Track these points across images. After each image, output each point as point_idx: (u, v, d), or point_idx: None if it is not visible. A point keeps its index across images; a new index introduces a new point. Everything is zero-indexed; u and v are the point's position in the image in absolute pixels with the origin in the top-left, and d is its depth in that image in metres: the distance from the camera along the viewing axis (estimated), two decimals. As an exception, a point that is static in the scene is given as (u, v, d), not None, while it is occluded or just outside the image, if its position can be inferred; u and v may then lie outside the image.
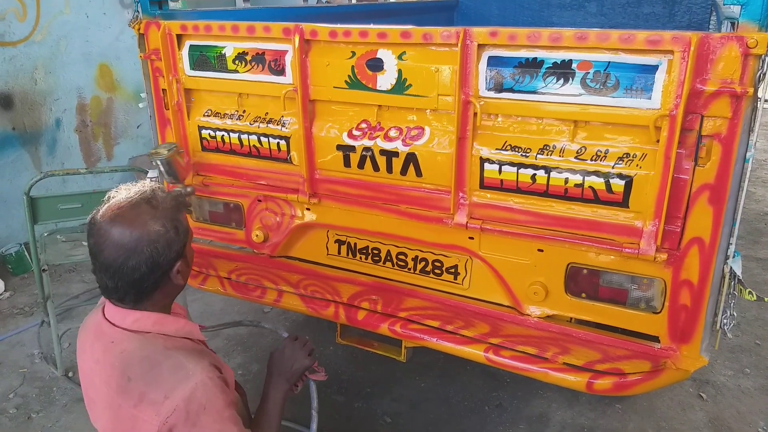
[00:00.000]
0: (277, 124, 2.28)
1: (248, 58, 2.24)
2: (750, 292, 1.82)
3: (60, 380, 3.01)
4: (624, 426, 2.70)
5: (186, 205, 1.58)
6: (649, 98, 1.68)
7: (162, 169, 2.27)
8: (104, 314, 1.48)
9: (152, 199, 1.43)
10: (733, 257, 1.77)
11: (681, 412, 2.79)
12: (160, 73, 2.43)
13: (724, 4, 1.62)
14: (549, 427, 2.71)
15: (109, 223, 1.37)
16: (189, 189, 2.27)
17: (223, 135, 2.40)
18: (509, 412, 2.80)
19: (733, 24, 1.65)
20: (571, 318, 2.10)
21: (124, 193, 1.44)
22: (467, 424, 2.73)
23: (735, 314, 1.88)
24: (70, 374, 3.05)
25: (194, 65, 2.36)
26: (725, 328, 1.87)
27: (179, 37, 2.35)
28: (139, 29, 2.40)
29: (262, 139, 2.32)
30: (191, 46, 2.34)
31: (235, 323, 2.40)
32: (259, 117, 2.31)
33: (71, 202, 3.05)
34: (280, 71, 2.19)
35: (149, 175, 2.68)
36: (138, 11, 2.41)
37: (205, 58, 2.33)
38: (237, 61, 2.26)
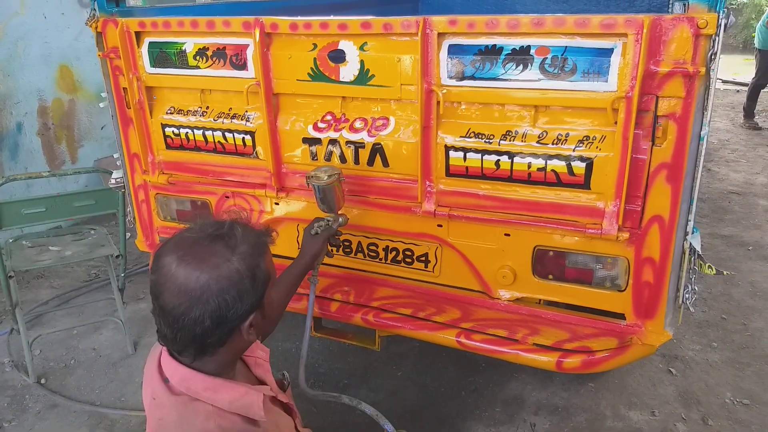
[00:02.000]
0: (242, 119, 2.27)
1: (209, 53, 2.22)
2: (709, 267, 1.88)
3: (32, 387, 2.96)
4: (597, 404, 2.76)
5: (271, 242, 1.32)
6: (606, 81, 1.72)
7: (318, 195, 2.04)
8: (159, 360, 1.28)
9: (230, 236, 1.20)
10: (692, 233, 1.83)
11: (651, 388, 2.86)
12: (119, 71, 2.39)
13: (674, -14, 1.66)
14: (524, 408, 2.76)
15: (174, 261, 1.15)
16: (342, 219, 2.12)
17: (187, 132, 2.37)
18: (485, 396, 2.84)
19: (684, 6, 1.69)
20: (539, 300, 2.14)
21: (198, 225, 1.23)
22: (444, 410, 2.76)
23: (696, 289, 1.94)
24: (42, 381, 3.01)
25: (154, 62, 2.33)
26: (687, 303, 1.93)
27: (138, 34, 2.31)
28: (96, 27, 2.36)
29: (227, 134, 2.30)
30: (151, 43, 2.31)
31: (333, 396, 2.22)
32: (223, 113, 2.30)
33: (35, 206, 2.99)
34: (242, 66, 2.17)
35: (114, 175, 2.65)
36: (95, 9, 2.37)
37: (165, 55, 2.30)
38: (198, 57, 2.24)
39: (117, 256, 3.11)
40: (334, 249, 2.37)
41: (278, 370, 3.12)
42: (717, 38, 1.62)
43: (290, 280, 1.98)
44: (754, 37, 7.22)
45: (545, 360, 1.97)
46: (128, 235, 3.29)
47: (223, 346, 1.21)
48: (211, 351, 1.21)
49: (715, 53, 1.63)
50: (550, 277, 2.05)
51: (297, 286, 2.02)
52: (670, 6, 1.73)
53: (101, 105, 2.52)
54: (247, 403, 1.24)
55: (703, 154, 1.73)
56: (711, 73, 1.65)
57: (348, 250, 2.39)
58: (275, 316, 1.36)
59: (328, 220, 2.08)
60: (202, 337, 1.16)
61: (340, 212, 2.12)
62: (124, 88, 2.42)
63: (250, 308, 1.20)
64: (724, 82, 9.87)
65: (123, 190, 2.73)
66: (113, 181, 2.67)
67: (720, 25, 1.60)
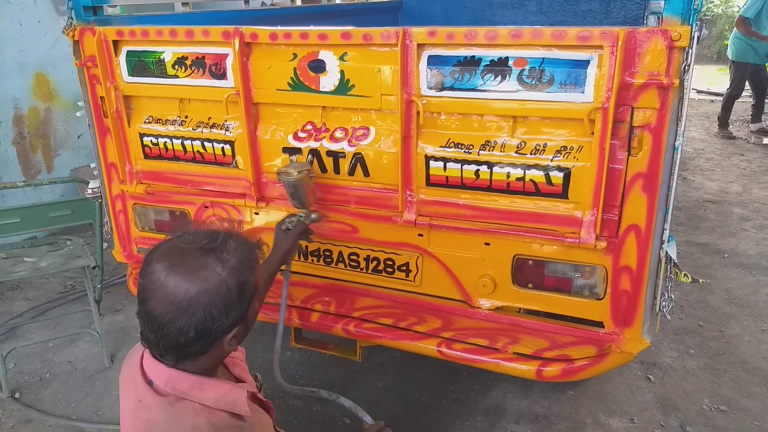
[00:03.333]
0: (221, 129, 2.25)
1: (188, 62, 2.21)
2: (685, 275, 1.90)
3: (6, 402, 2.90)
4: (577, 411, 2.78)
5: (262, 255, 1.35)
6: (583, 92, 1.74)
7: (288, 191, 2.05)
8: (142, 362, 1.28)
9: (222, 250, 1.21)
10: (668, 242, 1.85)
11: (630, 395, 2.89)
12: (97, 80, 2.37)
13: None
14: (505, 417, 2.76)
15: (165, 270, 1.16)
16: (314, 215, 2.13)
17: (165, 141, 2.35)
18: (466, 405, 2.84)
19: (659, 19, 1.72)
20: (519, 308, 2.15)
21: (192, 234, 1.23)
22: (425, 420, 2.75)
23: (673, 297, 1.97)
24: (17, 395, 2.94)
25: (132, 71, 2.31)
26: (664, 310, 1.95)
27: (116, 43, 2.29)
28: (73, 36, 2.34)
29: (206, 144, 2.29)
30: (129, 51, 2.29)
31: (311, 391, 2.18)
32: (202, 122, 2.28)
33: (10, 216, 2.94)
34: (222, 75, 2.16)
35: (90, 185, 2.62)
36: (72, 18, 2.34)
37: (143, 64, 2.28)
38: (177, 66, 2.23)
39: (94, 267, 3.06)
40: (316, 259, 2.36)
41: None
42: (690, 50, 1.65)
43: (264, 277, 1.93)
44: (727, 46, 7.37)
45: (525, 369, 1.98)
46: (105, 245, 3.25)
47: (204, 354, 1.23)
48: (192, 358, 1.23)
49: (689, 65, 1.67)
50: (530, 285, 2.06)
51: (271, 283, 2.03)
52: (645, 19, 1.76)
53: (78, 114, 2.49)
54: (232, 399, 1.27)
55: (677, 163, 1.76)
56: (685, 85, 1.68)
57: (329, 259, 2.38)
58: (254, 320, 1.38)
59: (300, 216, 2.10)
60: (184, 346, 1.19)
61: (312, 209, 2.14)
62: (101, 97, 2.40)
63: (234, 322, 1.22)
64: (699, 92, 10.05)
65: (100, 200, 2.69)
66: (90, 191, 2.63)
67: (693, 37, 1.64)
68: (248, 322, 1.29)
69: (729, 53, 7.09)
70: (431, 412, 2.80)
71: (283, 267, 2.12)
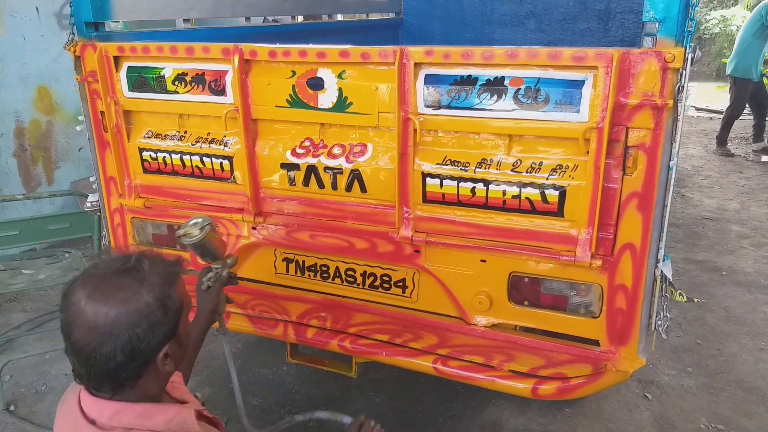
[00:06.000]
0: (220, 144, 2.27)
1: (188, 78, 2.23)
2: (680, 294, 1.91)
3: (1, 414, 2.89)
4: (573, 429, 2.77)
5: (183, 271, 1.34)
6: (578, 112, 1.76)
7: (197, 252, 1.88)
8: (80, 403, 1.23)
9: (137, 269, 1.20)
10: (664, 261, 1.86)
11: (628, 413, 2.88)
12: (97, 95, 2.39)
13: (642, 21, 1.71)
14: (502, 434, 2.75)
15: (82, 298, 1.15)
16: (230, 261, 1.95)
17: (164, 156, 2.37)
18: (463, 422, 2.83)
19: (653, 40, 1.74)
20: (515, 326, 2.15)
21: (105, 261, 1.23)
22: (422, 437, 2.74)
23: (669, 315, 1.97)
24: (12, 408, 2.93)
25: (133, 87, 2.33)
26: (660, 329, 1.96)
27: (116, 58, 2.32)
28: (74, 51, 2.36)
29: (205, 159, 2.30)
30: (129, 67, 2.32)
31: (287, 422, 2.11)
32: (201, 137, 2.30)
33: (9, 229, 2.95)
34: (221, 91, 2.18)
35: (89, 199, 2.63)
36: (73, 33, 2.37)
37: (144, 80, 2.30)
38: (177, 82, 2.25)
39: (91, 280, 3.06)
40: (312, 274, 2.37)
41: (255, 396, 3.10)
42: (684, 72, 1.67)
43: (193, 341, 1.78)
44: (725, 64, 7.39)
45: (521, 387, 1.98)
46: (103, 258, 3.25)
47: (140, 378, 1.21)
48: (130, 384, 1.20)
49: (683, 86, 1.68)
50: (526, 303, 2.07)
51: (201, 343, 1.90)
52: (641, 40, 1.78)
53: (78, 128, 2.51)
54: (181, 419, 1.26)
55: (672, 183, 1.77)
56: (679, 106, 1.70)
57: (326, 275, 2.38)
58: (186, 365, 1.36)
59: (216, 269, 1.91)
60: (116, 372, 1.16)
61: (225, 255, 1.98)
62: (101, 111, 2.41)
63: (163, 338, 1.20)
64: (698, 109, 10.10)
65: (99, 214, 2.70)
66: (89, 204, 2.65)
67: (687, 59, 1.66)
68: (180, 340, 1.26)
69: (730, 70, 7.09)
70: (427, 429, 2.79)
71: (216, 325, 1.98)
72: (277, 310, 2.36)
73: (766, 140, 7.29)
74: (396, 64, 1.90)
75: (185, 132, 2.34)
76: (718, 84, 12.02)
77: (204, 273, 1.91)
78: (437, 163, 1.99)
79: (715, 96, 10.91)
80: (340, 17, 4.90)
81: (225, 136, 2.26)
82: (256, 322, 2.36)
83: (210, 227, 1.85)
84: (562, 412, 2.88)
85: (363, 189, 2.12)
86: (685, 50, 1.65)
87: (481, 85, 1.85)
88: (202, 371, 3.22)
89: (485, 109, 1.86)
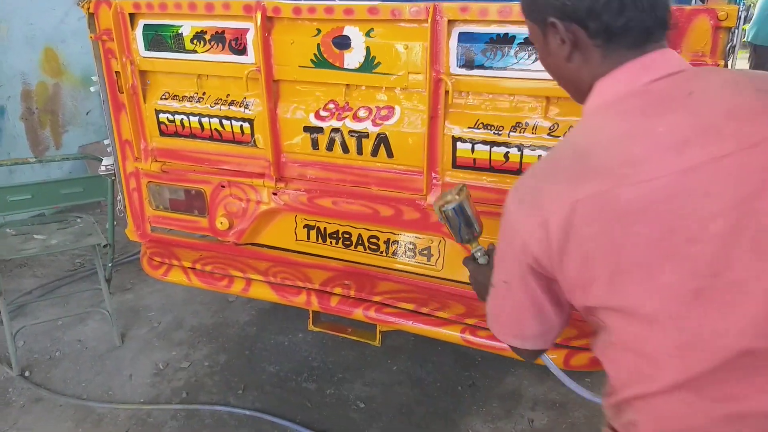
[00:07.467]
0: (240, 106, 2.19)
1: (207, 37, 2.14)
2: None
3: (16, 380, 2.87)
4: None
5: None
6: (622, 72, 1.67)
7: (460, 220, 1.50)
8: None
9: None
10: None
11: (648, 384, 2.85)
12: (112, 54, 2.30)
13: (694, -23, 1.62)
14: (521, 403, 2.73)
15: None
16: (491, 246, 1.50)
17: (182, 119, 2.29)
18: (482, 391, 2.81)
19: (702, -2, 1.65)
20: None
21: None
22: (441, 405, 2.72)
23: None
24: (27, 374, 2.92)
25: (149, 46, 2.24)
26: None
27: (132, 16, 2.22)
28: (88, 8, 2.26)
29: (224, 122, 2.22)
30: (145, 25, 2.22)
31: None
32: (221, 99, 2.22)
33: (20, 193, 2.89)
34: (242, 51, 2.10)
35: (104, 162, 2.56)
36: (86, -11, 2.27)
37: (160, 38, 2.21)
38: (195, 41, 2.16)
39: (104, 246, 3.02)
40: (334, 242, 2.31)
41: (271, 363, 3.08)
42: (737, 31, 1.59)
43: None
44: (745, 30, 7.19)
45: (553, 358, 1.93)
46: (114, 223, 3.20)
47: None
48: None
49: (734, 46, 1.60)
50: (556, 272, 2.01)
51: None
52: (692, -3, 1.69)
53: (92, 89, 2.42)
54: None
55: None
56: (729, 67, 1.62)
57: (348, 242, 2.33)
58: None
59: (478, 246, 1.53)
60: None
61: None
62: (116, 71, 2.32)
63: None
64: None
65: (113, 178, 2.64)
66: (103, 168, 2.57)
67: (740, 17, 1.57)
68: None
69: (750, 37, 6.89)
70: (446, 397, 2.77)
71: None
72: (299, 278, 2.31)
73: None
74: (428, 21, 1.81)
75: (204, 93, 2.25)
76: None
77: (476, 249, 1.53)
78: (469, 127, 1.91)
79: (735, 64, 10.71)
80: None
81: (245, 98, 2.18)
82: (278, 289, 2.31)
83: (466, 193, 1.52)
84: (582, 382, 2.82)
85: (389, 154, 2.04)
86: (739, 8, 1.56)
87: (518, 43, 1.76)
88: (217, 338, 3.20)
89: (522, 70, 1.78)
